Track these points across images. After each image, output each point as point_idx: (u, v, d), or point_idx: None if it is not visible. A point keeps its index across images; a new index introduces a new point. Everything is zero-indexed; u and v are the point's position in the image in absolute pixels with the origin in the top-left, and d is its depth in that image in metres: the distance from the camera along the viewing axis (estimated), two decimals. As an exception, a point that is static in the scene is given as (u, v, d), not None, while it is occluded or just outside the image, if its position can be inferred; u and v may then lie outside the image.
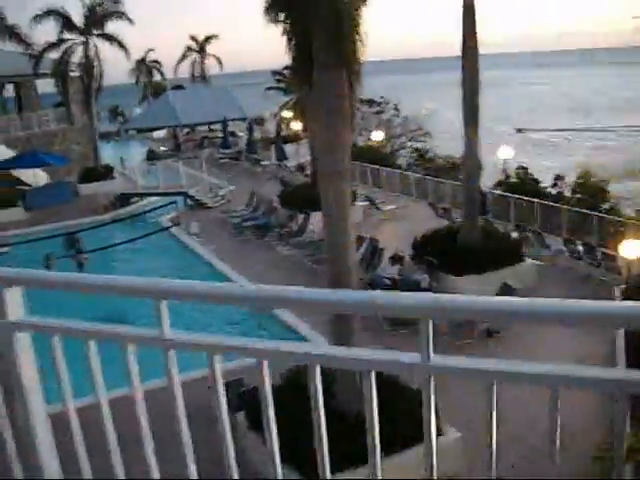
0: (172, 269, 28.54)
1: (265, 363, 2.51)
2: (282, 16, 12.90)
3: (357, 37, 12.56)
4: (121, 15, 44.52)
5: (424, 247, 23.17)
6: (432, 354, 2.17)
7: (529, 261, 23.11)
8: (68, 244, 31.49)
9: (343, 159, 12.45)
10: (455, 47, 22.32)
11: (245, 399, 14.24)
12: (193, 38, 76.86)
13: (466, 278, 21.19)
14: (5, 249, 31.13)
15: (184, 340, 2.70)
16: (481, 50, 21.97)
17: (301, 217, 29.92)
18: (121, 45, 45.44)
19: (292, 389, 13.92)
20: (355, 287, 13.05)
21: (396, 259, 22.82)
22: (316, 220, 28.94)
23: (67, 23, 44.15)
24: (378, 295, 2.28)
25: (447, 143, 66.40)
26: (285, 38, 12.93)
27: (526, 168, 37.54)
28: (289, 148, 48.35)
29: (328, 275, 13.11)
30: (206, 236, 31.52)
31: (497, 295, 19.38)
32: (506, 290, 19.64)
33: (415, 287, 20.75)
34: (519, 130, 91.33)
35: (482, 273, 21.24)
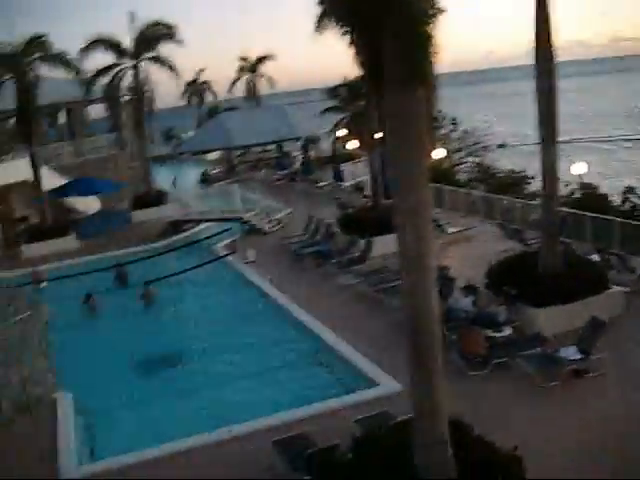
0: (227, 303, 27.25)
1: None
2: (342, 26, 11.32)
3: (432, 48, 10.91)
4: (171, 37, 43.56)
5: (500, 275, 21.24)
6: None
7: (615, 288, 20.99)
8: (117, 277, 30.59)
9: (422, 191, 10.82)
10: (502, 58, 20.52)
11: (314, 460, 12.68)
12: (244, 59, 75.83)
13: (549, 310, 19.21)
14: (44, 284, 30.09)
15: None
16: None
17: (362, 243, 28.26)
18: (171, 68, 44.49)
19: (369, 447, 12.37)
20: (437, 333, 11.40)
21: (469, 289, 20.97)
22: (379, 245, 27.46)
23: (116, 49, 43.46)
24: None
25: (505, 157, 64.68)
26: (349, 51, 11.34)
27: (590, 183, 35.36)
28: (345, 167, 46.74)
29: (406, 319, 11.51)
30: (263, 264, 30.03)
31: (584, 330, 17.52)
32: (595, 324, 17.61)
33: (493, 321, 18.95)
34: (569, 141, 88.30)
35: (566, 304, 19.28)
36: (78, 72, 40.01)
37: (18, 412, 18.10)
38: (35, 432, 15.78)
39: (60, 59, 39.20)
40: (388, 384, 17.16)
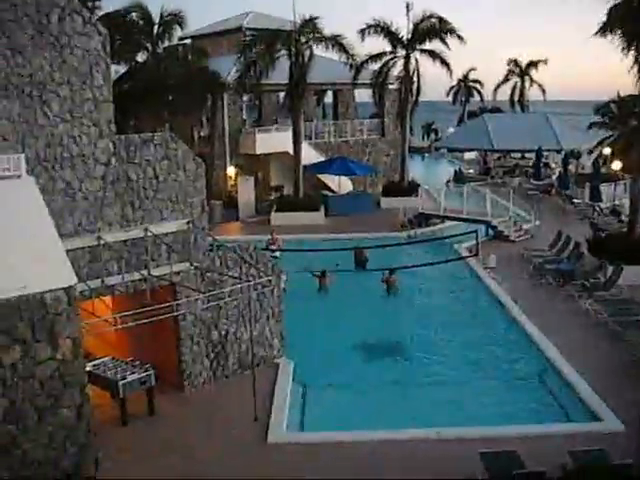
0: (461, 301, 27.02)
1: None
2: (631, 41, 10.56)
3: None
4: (448, 32, 43.40)
5: None
6: None
7: None
8: (356, 259, 31.01)
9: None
10: None
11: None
12: (515, 62, 74.34)
13: None
14: (277, 253, 31.03)
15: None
16: None
17: (611, 269, 26.69)
18: (444, 62, 44.38)
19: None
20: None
21: None
22: (629, 274, 25.85)
23: (392, 37, 44.01)
24: None
25: None
26: (629, 66, 10.58)
27: None
28: (605, 188, 44.46)
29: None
30: (502, 272, 29.27)
31: None
32: None
33: None
34: None
35: None
36: (352, 56, 40.99)
37: (241, 369, 18.94)
38: (252, 391, 16.38)
39: (335, 41, 40.35)
40: (611, 422, 16.07)
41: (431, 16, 43.57)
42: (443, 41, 43.60)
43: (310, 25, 40.02)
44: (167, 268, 17.05)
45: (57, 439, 12.62)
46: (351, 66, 41.82)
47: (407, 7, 43.73)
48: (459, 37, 43.48)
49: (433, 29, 43.57)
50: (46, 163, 15.09)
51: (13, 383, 12.00)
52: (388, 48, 44.71)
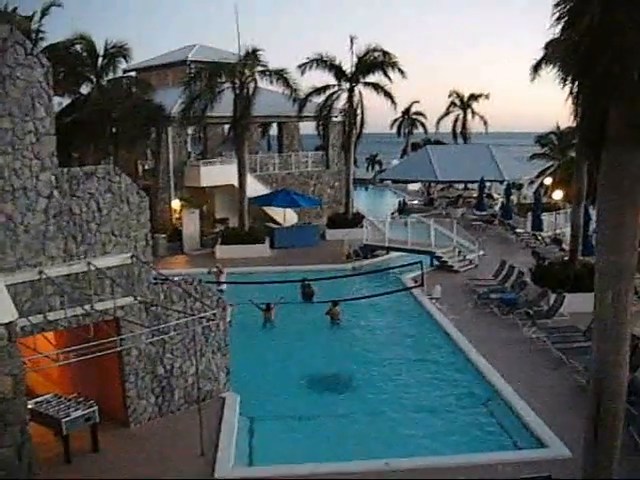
0: (405, 334, 26.95)
1: None
2: (566, 76, 10.81)
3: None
4: (393, 65, 43.98)
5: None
6: None
7: None
8: (303, 290, 31.07)
9: (631, 256, 10.13)
10: None
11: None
12: (457, 94, 75.62)
13: None
14: (223, 287, 31.02)
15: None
16: None
17: (554, 297, 27.12)
18: (387, 94, 44.84)
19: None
20: (621, 410, 10.64)
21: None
22: (571, 303, 26.29)
23: (336, 70, 44.41)
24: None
25: None
26: (569, 101, 10.81)
27: None
28: (546, 217, 45.31)
29: (591, 390, 10.83)
30: (447, 302, 29.53)
31: None
32: None
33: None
34: None
35: None
36: (295, 91, 41.30)
37: (187, 404, 18.72)
38: (199, 426, 16.20)
39: (279, 75, 40.64)
40: (557, 448, 16.23)
41: (375, 49, 44.11)
42: (386, 74, 44.12)
43: (253, 57, 40.18)
44: (111, 302, 16.80)
45: (-3, 479, 12.30)
46: (294, 100, 42.07)
47: (351, 40, 44.21)
48: (400, 71, 44.05)
49: (377, 62, 44.03)
50: (-14, 196, 14.83)
51: (-49, 422, 11.68)
52: (332, 81, 45.12)
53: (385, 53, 44.03)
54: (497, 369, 21.45)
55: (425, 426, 18.46)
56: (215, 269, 33.25)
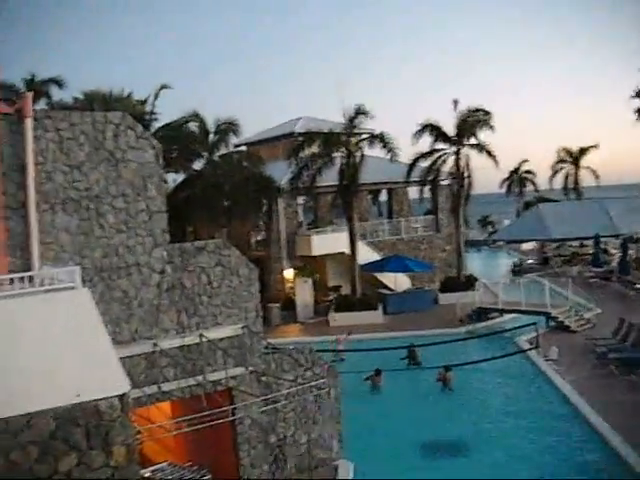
0: (524, 398, 26.30)
1: None
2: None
3: None
4: (489, 125, 44.20)
5: None
6: None
7: None
8: (409, 356, 30.91)
9: None
10: None
11: None
12: (566, 150, 74.37)
13: None
14: (343, 355, 31.24)
15: None
16: None
17: (678, 356, 26.05)
18: (490, 154, 44.73)
19: None
20: None
21: None
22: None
23: (440, 134, 44.78)
24: None
25: None
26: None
27: None
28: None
29: None
30: (565, 363, 28.70)
31: None
32: None
33: None
34: None
35: None
36: (396, 155, 41.78)
37: (300, 472, 18.74)
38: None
39: (384, 141, 41.23)
40: None
41: (477, 109, 44.35)
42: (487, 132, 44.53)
43: (355, 123, 41.14)
44: (223, 373, 17.14)
45: None
46: (393, 161, 42.51)
47: (455, 103, 44.54)
48: (491, 128, 44.66)
49: (478, 123, 44.20)
50: (103, 273, 15.54)
51: (69, 491, 12.06)
52: (436, 145, 45.44)
53: (486, 112, 44.18)
54: (621, 435, 20.40)
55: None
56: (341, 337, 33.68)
